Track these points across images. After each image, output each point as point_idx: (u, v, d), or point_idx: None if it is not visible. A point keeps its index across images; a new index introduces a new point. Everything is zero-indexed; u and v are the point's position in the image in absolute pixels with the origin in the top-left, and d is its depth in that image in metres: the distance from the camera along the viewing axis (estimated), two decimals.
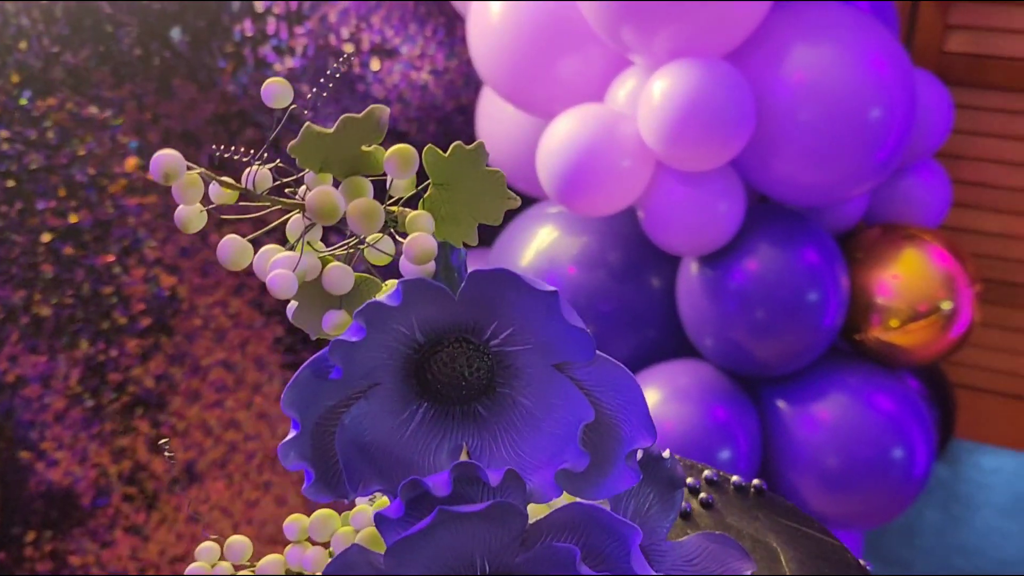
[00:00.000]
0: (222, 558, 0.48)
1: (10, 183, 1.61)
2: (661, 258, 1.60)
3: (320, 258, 0.43)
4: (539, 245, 1.65)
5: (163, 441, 0.46)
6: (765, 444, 1.60)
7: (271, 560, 0.48)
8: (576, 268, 1.63)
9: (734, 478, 0.61)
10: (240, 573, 0.48)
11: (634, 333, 1.64)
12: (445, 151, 0.41)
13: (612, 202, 1.46)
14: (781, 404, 1.59)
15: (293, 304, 0.45)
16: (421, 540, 0.41)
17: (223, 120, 1.78)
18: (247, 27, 1.76)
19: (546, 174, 1.44)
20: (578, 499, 0.45)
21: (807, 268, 1.50)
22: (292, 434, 0.41)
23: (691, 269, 1.55)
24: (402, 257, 0.41)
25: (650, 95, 1.38)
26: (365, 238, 0.42)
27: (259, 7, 1.76)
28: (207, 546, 0.48)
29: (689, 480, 0.60)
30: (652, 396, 1.54)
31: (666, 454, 0.52)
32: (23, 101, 1.60)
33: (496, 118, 1.73)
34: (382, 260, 0.44)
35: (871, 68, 1.41)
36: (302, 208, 0.42)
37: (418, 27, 1.86)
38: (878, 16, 1.55)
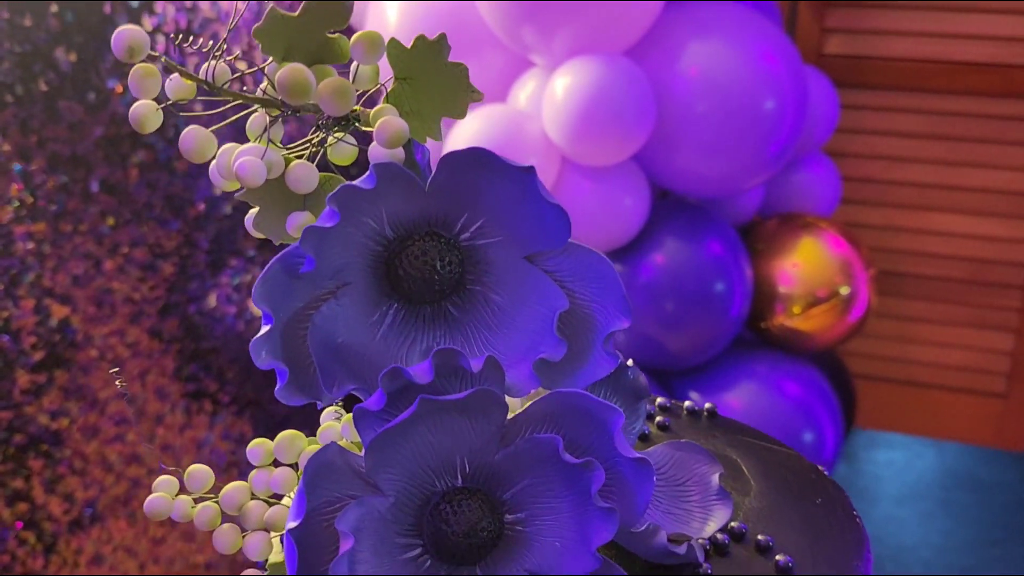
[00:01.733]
0: (181, 491, 0.46)
1: None
2: None
3: (283, 157, 0.42)
4: None
5: (118, 380, 0.44)
6: None
7: (234, 487, 0.46)
8: None
9: (687, 403, 0.61)
10: (202, 504, 0.46)
11: None
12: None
13: None
14: (693, 395, 1.62)
15: (251, 214, 0.44)
16: (402, 435, 0.40)
17: (113, 142, 1.73)
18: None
19: None
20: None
21: (712, 260, 1.53)
22: (264, 330, 0.40)
23: None
24: (371, 146, 0.41)
25: (553, 92, 1.39)
26: (328, 135, 0.42)
27: (148, 25, 1.73)
28: (165, 479, 0.46)
29: None
30: None
31: (630, 363, 0.52)
32: None
33: None
34: (346, 158, 0.43)
35: (763, 62, 1.46)
36: (263, 103, 0.41)
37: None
38: (764, 15, 1.61)
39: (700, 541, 0.48)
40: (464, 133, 1.44)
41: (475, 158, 0.40)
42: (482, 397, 0.41)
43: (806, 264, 1.61)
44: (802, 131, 1.52)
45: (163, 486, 0.45)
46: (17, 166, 1.65)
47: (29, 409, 1.76)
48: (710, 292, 1.53)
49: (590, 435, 0.43)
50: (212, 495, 0.46)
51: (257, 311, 0.41)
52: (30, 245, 1.68)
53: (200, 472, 0.46)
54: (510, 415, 0.43)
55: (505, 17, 1.42)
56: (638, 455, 0.42)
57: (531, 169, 0.39)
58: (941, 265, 2.08)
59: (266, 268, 0.40)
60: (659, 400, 0.61)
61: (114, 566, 1.92)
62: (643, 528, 0.45)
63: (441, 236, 0.43)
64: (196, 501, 0.46)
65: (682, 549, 0.45)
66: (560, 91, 1.38)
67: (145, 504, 0.44)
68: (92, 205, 1.73)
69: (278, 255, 0.40)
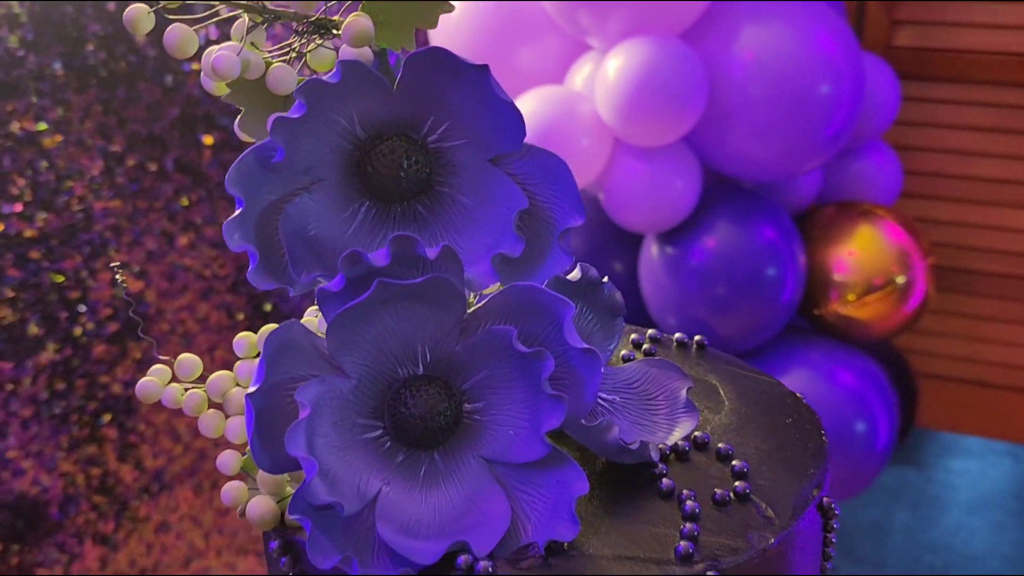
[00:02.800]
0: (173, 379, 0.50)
1: None
2: (622, 243, 1.63)
3: (264, 60, 0.45)
4: None
5: (118, 275, 0.47)
6: None
7: (219, 375, 0.49)
8: None
9: (677, 335, 0.63)
10: (190, 390, 0.49)
11: None
12: None
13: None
14: None
15: (238, 122, 0.47)
16: (361, 317, 0.43)
17: (187, 123, 1.80)
18: (211, 31, 1.79)
19: None
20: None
21: (765, 244, 1.53)
22: (236, 213, 0.43)
23: (651, 250, 1.58)
24: (341, 47, 0.43)
25: (605, 73, 1.41)
26: (308, 41, 0.45)
27: (224, 11, 1.80)
28: (159, 367, 0.49)
29: (633, 336, 0.62)
30: None
31: (605, 279, 0.54)
32: None
33: None
34: (325, 64, 0.46)
35: (820, 47, 1.45)
36: (247, 8, 0.44)
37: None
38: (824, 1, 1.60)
39: (660, 446, 0.50)
40: None
41: (433, 58, 0.42)
42: (438, 285, 0.43)
43: (862, 252, 1.59)
44: (858, 117, 1.51)
45: (156, 373, 0.49)
46: (99, 145, 1.74)
47: (103, 378, 1.84)
48: (761, 277, 1.52)
49: (544, 327, 0.45)
50: (200, 384, 0.50)
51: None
52: (109, 221, 1.76)
53: (189, 361, 0.49)
54: (471, 310, 0.45)
55: (562, 1, 1.45)
56: (587, 346, 0.44)
57: (485, 68, 0.42)
58: (1011, 262, 2.03)
59: (240, 157, 0.43)
60: (651, 332, 0.63)
61: (180, 534, 1.99)
62: (597, 423, 0.47)
63: (410, 137, 0.45)
64: (185, 389, 0.49)
65: (635, 446, 0.47)
66: (612, 72, 1.40)
67: (137, 387, 0.48)
68: (167, 183, 1.81)
69: (251, 147, 0.43)
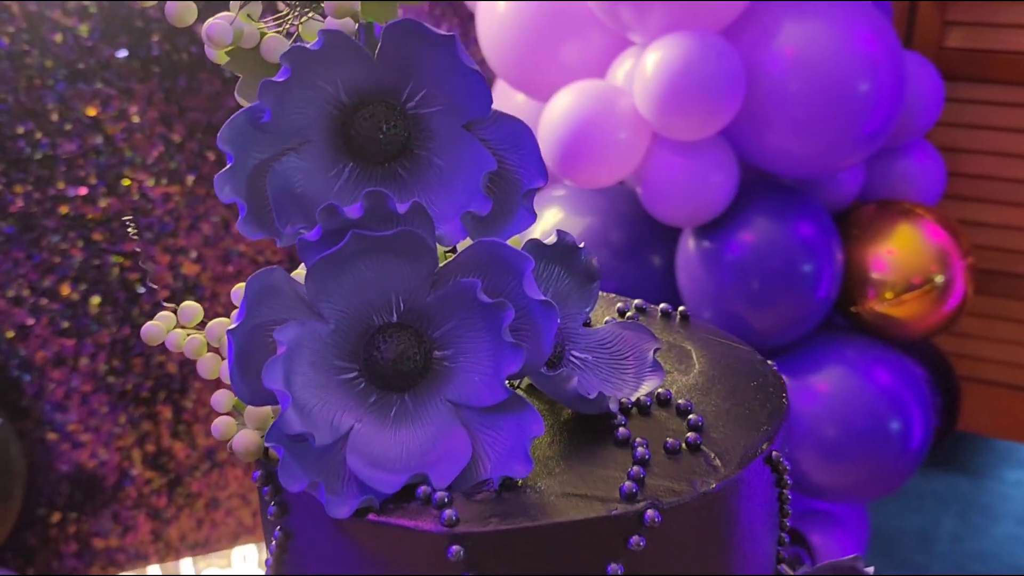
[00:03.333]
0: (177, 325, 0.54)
1: (42, 170, 1.70)
2: (661, 237, 1.65)
3: (259, 30, 0.49)
4: (544, 226, 1.71)
5: (127, 219, 0.52)
6: None
7: (217, 322, 0.54)
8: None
9: (662, 306, 0.66)
10: (191, 335, 0.54)
11: None
12: None
13: (609, 173, 1.52)
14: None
15: (237, 88, 0.51)
16: (338, 266, 0.47)
17: None
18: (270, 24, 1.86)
19: (546, 146, 1.51)
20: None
21: (801, 240, 1.54)
22: (227, 167, 0.47)
23: (689, 244, 1.60)
24: (326, 20, 0.48)
25: (643, 67, 1.44)
26: (299, 13, 0.49)
27: (280, 6, 1.86)
28: (165, 313, 0.54)
29: (619, 305, 0.65)
30: None
31: (581, 245, 0.57)
32: (57, 92, 1.70)
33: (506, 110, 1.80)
34: (314, 36, 0.50)
35: (860, 44, 1.46)
36: None
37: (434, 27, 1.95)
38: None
39: (623, 400, 0.53)
40: (557, 106, 1.50)
41: (407, 28, 0.46)
42: (408, 237, 0.47)
43: (901, 250, 1.59)
44: (898, 115, 1.51)
45: (161, 319, 0.53)
46: (160, 133, 1.81)
47: (159, 358, 1.92)
48: (797, 273, 1.53)
49: (507, 281, 0.48)
50: (200, 330, 0.54)
51: None
52: (168, 206, 1.83)
53: (191, 308, 0.54)
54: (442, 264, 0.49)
55: None
56: (545, 298, 0.47)
57: (452, 37, 0.46)
58: None
59: (232, 116, 0.47)
60: (637, 301, 0.66)
61: (230, 511, 2.06)
62: (558, 373, 0.50)
63: (390, 103, 0.49)
64: (187, 335, 0.54)
65: (592, 395, 0.50)
66: (649, 66, 1.43)
67: (142, 330, 0.52)
68: None
69: (244, 108, 0.47)
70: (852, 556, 0.60)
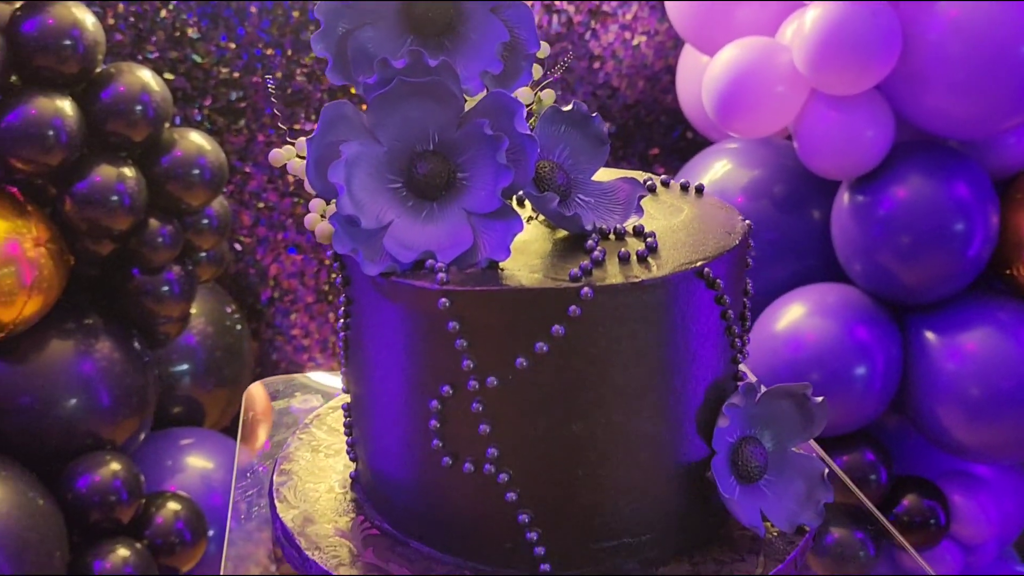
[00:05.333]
0: None
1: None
2: (821, 191, 1.74)
3: None
4: (713, 176, 1.84)
5: (267, 77, 0.73)
6: (907, 371, 1.69)
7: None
8: (744, 198, 1.80)
9: (682, 180, 0.81)
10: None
11: (794, 260, 1.78)
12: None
13: (765, 124, 1.63)
14: (928, 333, 1.68)
15: None
16: (389, 103, 0.67)
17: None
18: None
19: (708, 96, 1.64)
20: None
21: (955, 199, 1.59)
22: (320, 29, 0.67)
23: (844, 197, 1.68)
24: None
25: (802, 23, 1.55)
26: None
27: None
28: (287, 147, 0.75)
29: (645, 177, 0.81)
30: (797, 311, 1.69)
31: (595, 114, 0.74)
32: None
33: (692, 74, 1.94)
34: None
35: (1022, 5, 1.50)
36: None
37: None
38: None
39: (603, 227, 0.69)
40: (721, 59, 1.64)
41: None
42: (438, 86, 0.66)
43: None
44: None
45: (285, 150, 0.75)
46: None
47: (278, 339, 2.19)
48: (949, 231, 1.59)
49: (506, 121, 0.66)
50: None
51: None
52: None
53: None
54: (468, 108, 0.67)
55: None
56: (529, 132, 0.65)
57: None
58: None
59: None
60: (662, 177, 0.81)
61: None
62: (544, 195, 0.67)
63: None
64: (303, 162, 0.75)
65: (569, 212, 0.67)
66: (808, 23, 1.54)
67: (270, 155, 0.74)
68: None
69: None
70: (803, 384, 0.73)
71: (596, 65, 2.15)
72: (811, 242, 1.78)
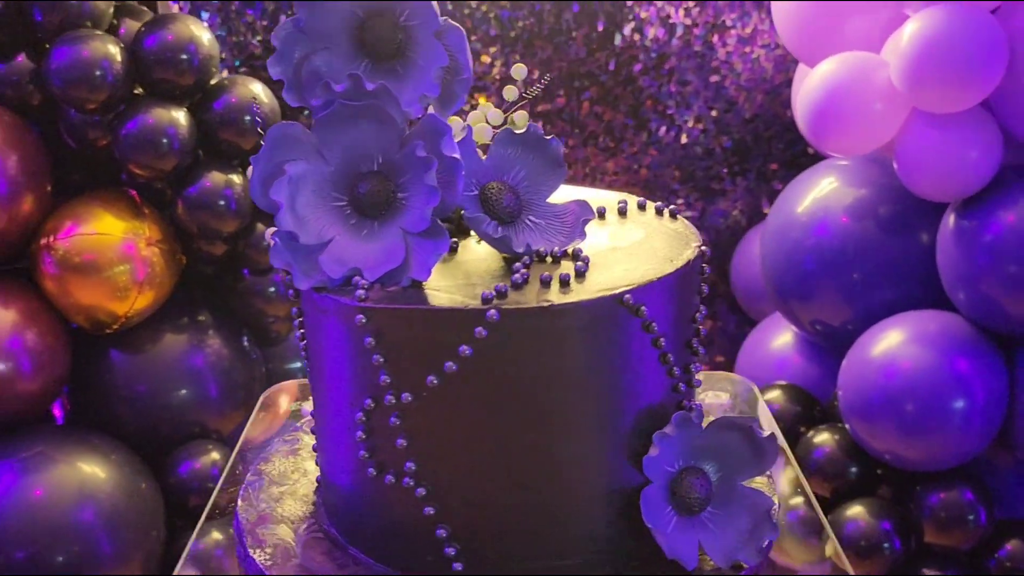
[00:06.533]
0: None
1: None
2: (930, 213, 1.66)
3: None
4: (818, 193, 1.78)
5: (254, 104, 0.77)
6: (1013, 406, 1.58)
7: None
8: (848, 218, 1.73)
9: (658, 204, 0.80)
10: None
11: (897, 284, 1.71)
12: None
13: (861, 143, 1.57)
14: None
15: None
16: (332, 124, 0.69)
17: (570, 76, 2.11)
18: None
19: (801, 112, 1.59)
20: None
21: None
22: (275, 54, 0.71)
23: (949, 221, 1.60)
24: None
25: (900, 37, 1.48)
26: None
27: None
28: None
29: (620, 199, 0.81)
30: (895, 337, 1.61)
31: (552, 140, 0.74)
32: None
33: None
34: None
35: None
36: None
37: (753, 6, 2.07)
38: None
39: (542, 249, 0.70)
40: (818, 73, 1.58)
41: None
42: (376, 108, 0.68)
43: None
44: None
45: None
46: None
47: None
48: None
49: (438, 143, 0.68)
50: None
51: None
52: None
53: None
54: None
55: None
56: (455, 155, 0.66)
57: None
58: None
59: (284, 21, 0.71)
60: (639, 199, 0.81)
61: None
62: (475, 216, 0.69)
63: (391, 17, 0.70)
64: None
65: (497, 235, 0.68)
66: (905, 36, 1.47)
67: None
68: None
69: (290, 18, 0.71)
70: (748, 417, 0.71)
71: (714, 78, 2.12)
72: (916, 266, 1.69)
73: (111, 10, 1.66)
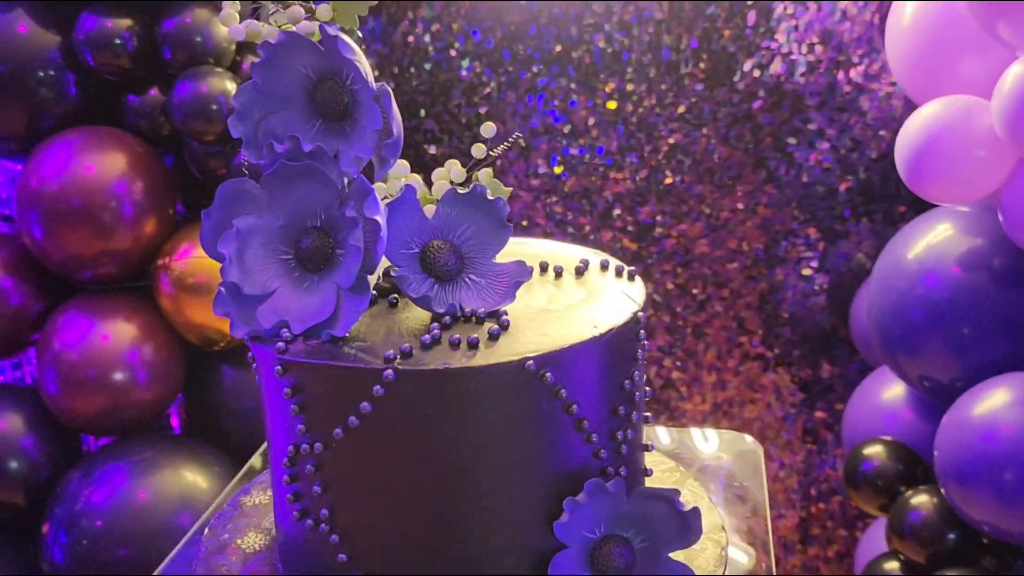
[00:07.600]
0: None
1: None
2: None
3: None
4: (931, 240, 1.69)
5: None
6: None
7: None
8: (960, 268, 1.63)
9: (619, 264, 0.80)
10: None
11: (1009, 341, 1.59)
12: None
13: (961, 191, 1.47)
14: None
15: None
16: (276, 183, 0.73)
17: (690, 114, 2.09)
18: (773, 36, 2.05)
19: (900, 153, 1.52)
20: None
21: None
22: (235, 113, 0.75)
23: None
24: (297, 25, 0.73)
25: (1003, 81, 1.39)
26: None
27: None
28: None
29: (580, 259, 0.81)
30: (999, 398, 1.50)
31: (495, 197, 0.75)
32: None
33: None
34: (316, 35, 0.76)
35: None
36: None
37: (882, 42, 1.98)
38: None
39: (469, 308, 0.71)
40: (920, 115, 1.50)
41: (334, 39, 0.70)
42: (312, 169, 0.72)
43: None
44: None
45: None
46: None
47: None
48: None
49: (363, 205, 0.70)
50: None
51: None
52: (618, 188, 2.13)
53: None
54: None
55: (983, 13, 1.44)
56: (376, 218, 0.69)
57: (334, 38, 0.69)
58: None
59: (243, 84, 0.75)
60: (603, 259, 0.81)
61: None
62: (401, 275, 0.71)
63: (339, 81, 0.74)
64: None
65: (418, 295, 0.70)
66: (1008, 79, 1.38)
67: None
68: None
69: (250, 81, 0.75)
70: (671, 488, 0.70)
71: (840, 116, 2.04)
72: None
73: (233, 47, 1.77)
